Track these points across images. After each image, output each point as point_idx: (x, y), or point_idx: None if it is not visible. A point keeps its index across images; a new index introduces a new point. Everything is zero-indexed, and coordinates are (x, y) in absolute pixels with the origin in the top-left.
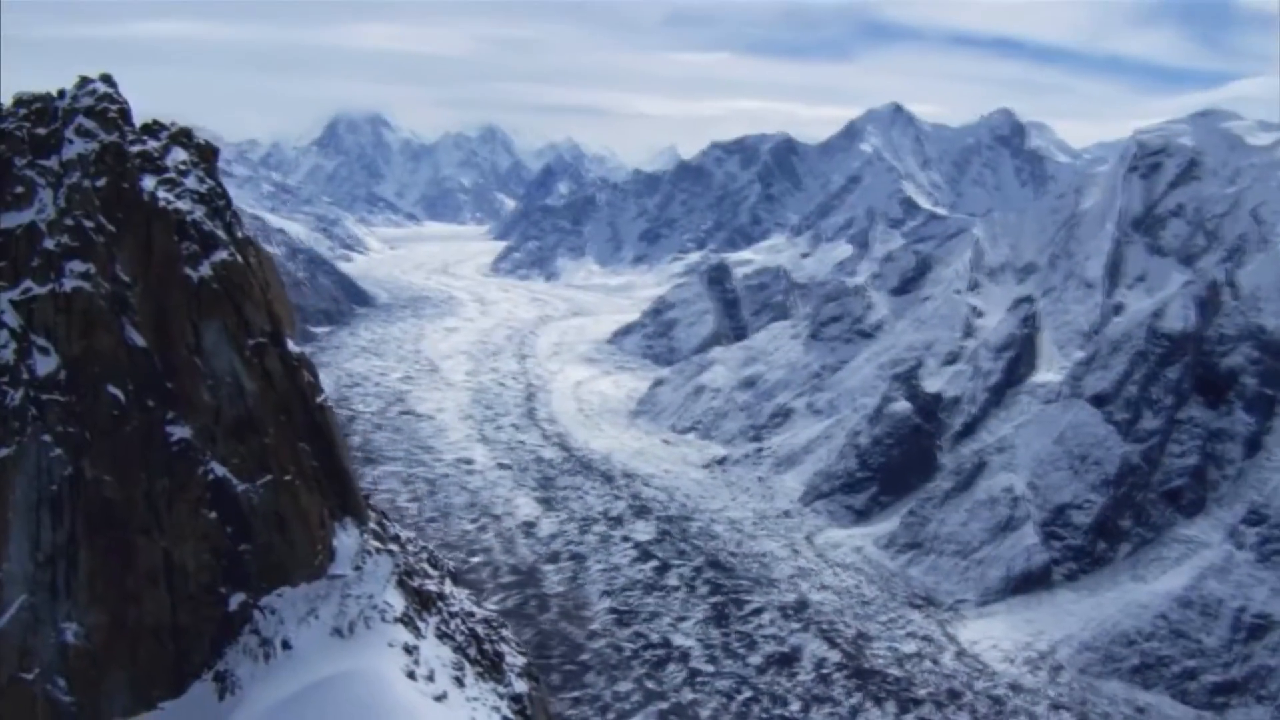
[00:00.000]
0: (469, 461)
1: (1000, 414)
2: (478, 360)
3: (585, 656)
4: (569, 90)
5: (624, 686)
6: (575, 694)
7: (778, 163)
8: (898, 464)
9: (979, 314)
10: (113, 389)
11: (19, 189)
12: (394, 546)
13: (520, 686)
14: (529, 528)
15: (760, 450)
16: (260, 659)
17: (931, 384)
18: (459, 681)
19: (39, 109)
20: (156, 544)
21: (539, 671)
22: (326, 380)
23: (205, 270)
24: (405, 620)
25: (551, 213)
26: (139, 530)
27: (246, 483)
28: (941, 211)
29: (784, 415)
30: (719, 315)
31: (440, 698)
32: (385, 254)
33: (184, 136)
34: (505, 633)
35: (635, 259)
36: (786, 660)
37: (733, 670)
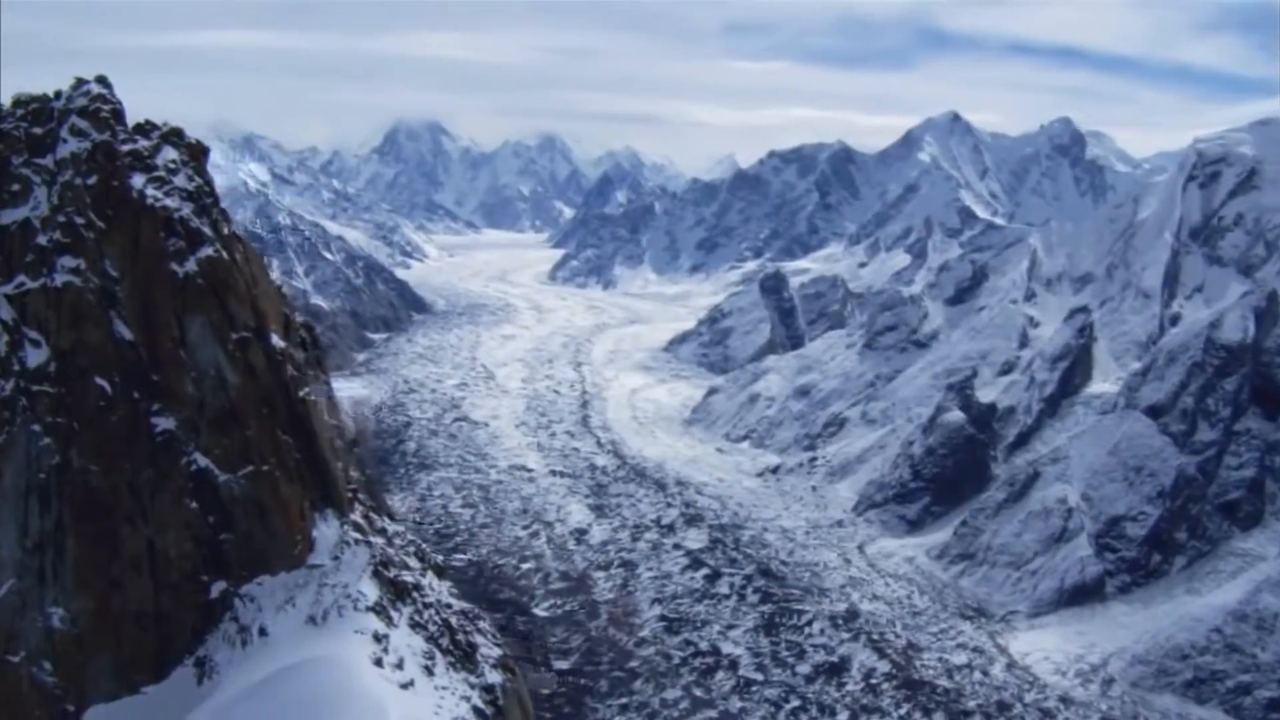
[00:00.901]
0: (522, 468)
1: (1055, 425)
2: (533, 367)
3: (634, 663)
4: (627, 99)
5: (672, 694)
6: (623, 700)
7: (835, 172)
8: (951, 474)
9: (1035, 324)
10: (100, 381)
11: (15, 186)
12: (378, 539)
13: (494, 677)
14: (580, 534)
15: (814, 459)
16: (238, 645)
17: (986, 394)
18: (428, 670)
19: (36, 109)
20: (140, 532)
21: (513, 662)
22: (383, 386)
23: (191, 266)
24: (377, 609)
25: (609, 221)
26: (124, 519)
27: (228, 473)
28: (1000, 221)
29: (838, 424)
30: (775, 324)
31: (406, 685)
32: (443, 261)
33: (174, 136)
34: (482, 624)
35: (692, 268)
36: (835, 670)
37: (781, 679)
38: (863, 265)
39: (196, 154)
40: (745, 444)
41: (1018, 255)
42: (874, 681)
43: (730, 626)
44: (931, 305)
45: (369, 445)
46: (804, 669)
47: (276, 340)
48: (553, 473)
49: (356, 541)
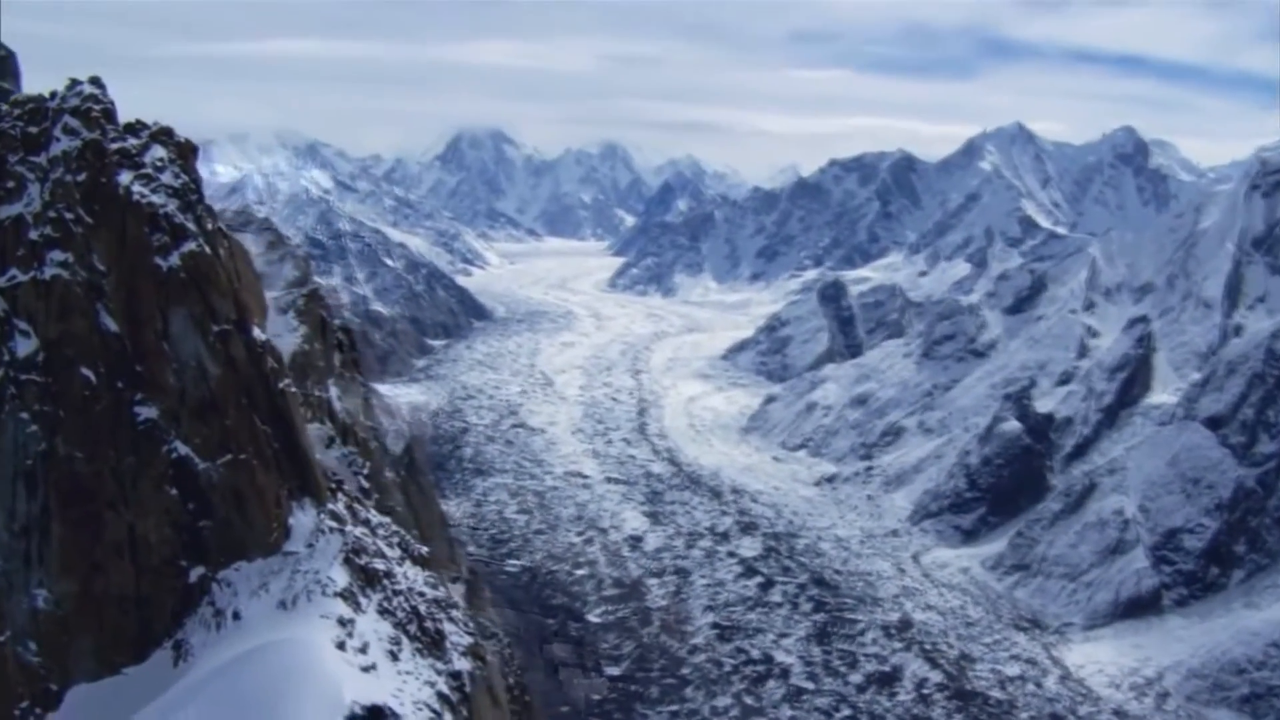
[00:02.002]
0: (578, 475)
1: (1113, 435)
2: (591, 375)
3: (685, 671)
4: (690, 107)
5: (722, 701)
6: (673, 708)
7: (896, 180)
8: (1007, 484)
9: (1094, 334)
10: (85, 370)
11: (10, 184)
12: (359, 529)
13: (463, 665)
14: (635, 542)
15: (870, 468)
16: (213, 628)
17: (1044, 404)
18: (393, 655)
19: (32, 109)
20: (122, 518)
21: (485, 650)
22: (441, 392)
23: (174, 260)
24: (345, 595)
25: (670, 229)
26: (106, 504)
27: (207, 461)
28: (1061, 231)
29: (895, 434)
30: (833, 333)
31: (368, 668)
32: (504, 269)
33: (164, 135)
34: (455, 613)
35: (752, 276)
36: (887, 679)
37: (832, 688)
38: (923, 274)
39: (185, 152)
40: (802, 452)
41: (1077, 265)
42: (926, 692)
43: (783, 635)
44: (990, 314)
45: (425, 450)
46: (856, 678)
47: (258, 333)
48: (608, 479)
49: (331, 530)
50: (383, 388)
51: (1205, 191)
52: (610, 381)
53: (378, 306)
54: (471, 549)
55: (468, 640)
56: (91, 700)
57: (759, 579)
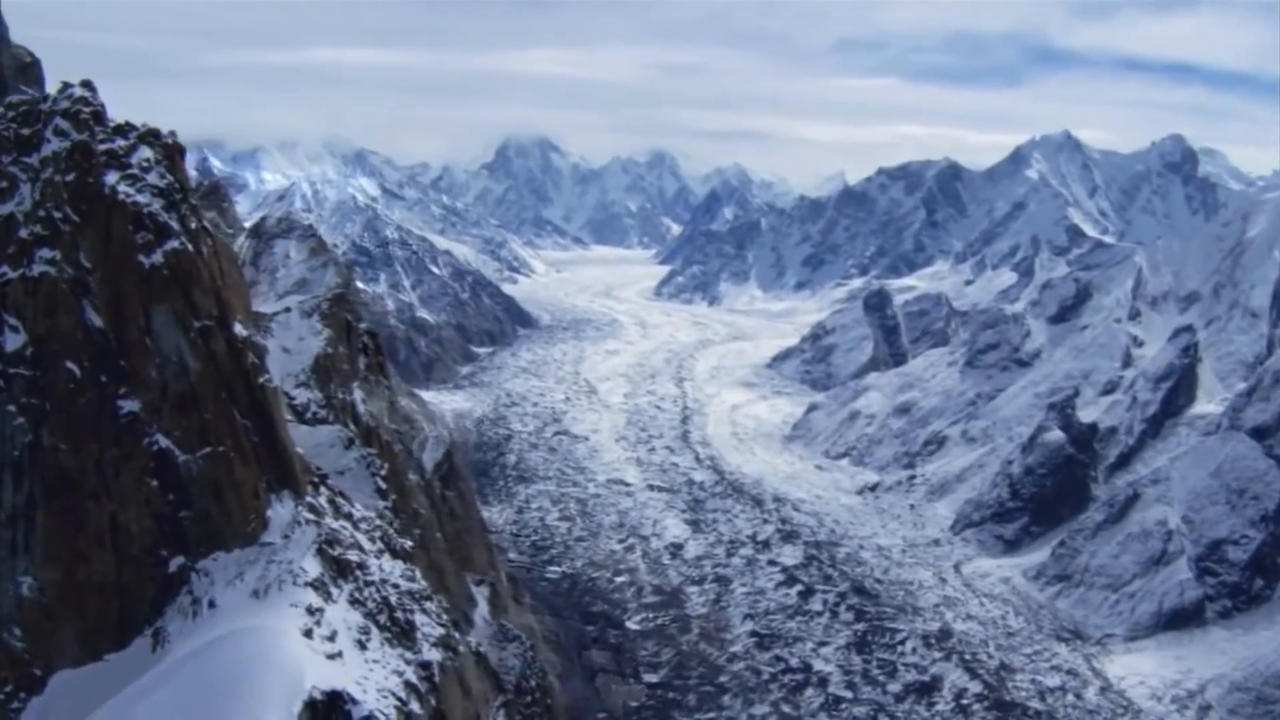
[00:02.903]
0: (621, 482)
1: (1157, 445)
2: (635, 383)
3: (723, 678)
4: (736, 116)
5: (760, 709)
6: (710, 715)
7: (942, 189)
8: (1050, 494)
9: (1139, 343)
10: (70, 365)
11: (3, 183)
12: (341, 522)
13: (433, 655)
14: (676, 549)
15: (913, 477)
16: (190, 616)
17: (1088, 414)
18: (361, 644)
19: (25, 111)
20: (105, 508)
21: (456, 642)
22: (485, 399)
23: (157, 258)
24: (316, 585)
25: (715, 238)
26: (89, 495)
27: (187, 454)
28: (1109, 240)
29: (938, 443)
30: (878, 341)
31: (334, 656)
32: (550, 277)
33: (151, 137)
34: (428, 605)
35: (798, 285)
36: (926, 689)
37: (871, 697)
38: (968, 283)
39: (172, 153)
40: (844, 461)
41: (1122, 273)
42: (965, 702)
43: (822, 643)
44: (1034, 323)
45: (465, 456)
46: (894, 687)
47: (239, 329)
48: (650, 487)
49: (307, 522)
50: (427, 394)
51: (1253, 200)
52: (654, 389)
53: (423, 314)
54: (513, 555)
55: (440, 631)
56: (74, 685)
57: (799, 587)
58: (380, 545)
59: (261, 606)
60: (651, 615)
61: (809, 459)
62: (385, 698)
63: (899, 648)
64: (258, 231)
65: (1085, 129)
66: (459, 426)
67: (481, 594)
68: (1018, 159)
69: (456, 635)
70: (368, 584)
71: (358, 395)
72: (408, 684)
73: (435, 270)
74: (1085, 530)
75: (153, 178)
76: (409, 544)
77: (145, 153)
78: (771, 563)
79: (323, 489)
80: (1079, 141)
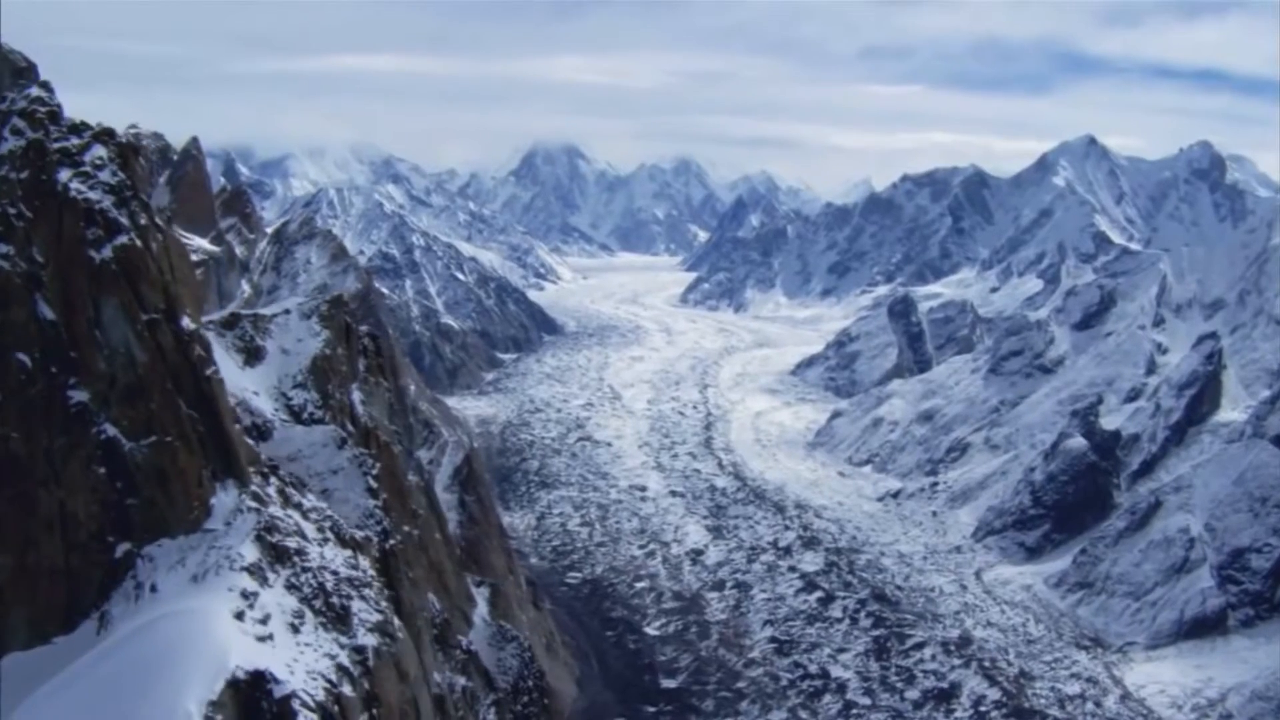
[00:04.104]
0: (642, 488)
1: (1180, 453)
2: (659, 389)
3: (741, 684)
4: (764, 123)
5: (778, 716)
6: None
7: (968, 196)
8: (1072, 502)
9: (1163, 350)
10: (22, 356)
11: None
12: (290, 511)
13: (368, 640)
14: (696, 555)
15: (935, 484)
16: (133, 600)
17: (1111, 421)
18: (294, 628)
19: None
20: (54, 495)
21: (394, 629)
22: (509, 405)
23: (106, 253)
24: (252, 570)
25: (742, 245)
26: (40, 483)
27: (133, 442)
28: (1135, 247)
29: (961, 450)
30: (902, 348)
31: (265, 638)
32: (576, 283)
33: (105, 136)
34: (367, 592)
35: (823, 292)
36: (945, 696)
37: (889, 704)
38: (994, 290)
39: (125, 152)
40: (867, 468)
41: (1147, 280)
42: (983, 709)
43: (841, 650)
44: (1058, 330)
45: (484, 462)
46: (913, 694)
47: (187, 323)
48: (672, 493)
49: (248, 509)
50: (451, 400)
51: (1278, 206)
52: (678, 396)
53: (448, 320)
54: (534, 560)
55: (376, 617)
56: (23, 668)
57: (819, 594)
58: (328, 535)
59: (199, 590)
60: (671, 621)
61: (832, 465)
62: (314, 679)
63: (918, 654)
64: (279, 237)
65: (1114, 136)
66: (483, 432)
67: (482, 595)
68: (1044, 166)
69: (396, 621)
70: (305, 570)
71: (356, 396)
72: (340, 667)
73: (461, 277)
74: (1107, 538)
75: (105, 175)
76: (359, 534)
77: (98, 151)
78: (792, 569)
79: (273, 479)
80: (1106, 148)
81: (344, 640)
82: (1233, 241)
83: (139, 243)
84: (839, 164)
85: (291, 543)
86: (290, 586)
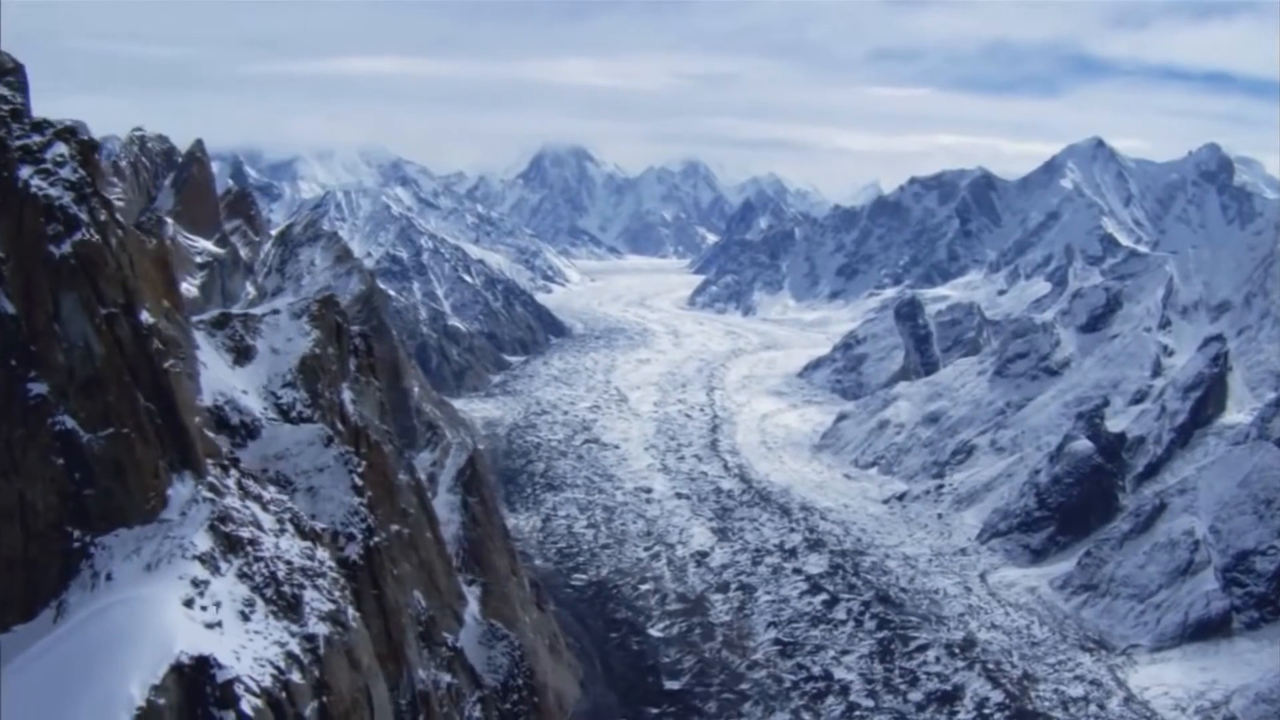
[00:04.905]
0: (648, 490)
1: (1186, 455)
2: (666, 391)
3: (744, 686)
4: (772, 125)
5: (780, 717)
6: None
7: (976, 199)
8: (1077, 504)
9: (1169, 352)
10: None
11: None
12: (250, 502)
13: (320, 629)
14: (701, 557)
15: (941, 487)
16: (89, 588)
17: (1117, 423)
18: (244, 616)
19: None
20: (14, 485)
21: (347, 618)
22: (516, 407)
23: (66, 248)
24: (204, 559)
25: (749, 247)
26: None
27: (91, 434)
28: (1143, 249)
29: (966, 452)
30: (909, 351)
31: (213, 625)
32: (584, 286)
33: (67, 134)
34: (321, 582)
35: (831, 294)
36: (948, 698)
37: (892, 705)
38: (1002, 293)
39: (86, 150)
40: (873, 470)
41: (1153, 283)
42: (986, 711)
43: (844, 652)
44: (1064, 332)
45: (487, 463)
46: (916, 696)
47: (146, 317)
48: (678, 495)
49: (204, 499)
50: (458, 402)
51: None
52: (685, 398)
53: (455, 322)
54: (539, 562)
55: (329, 607)
56: None
57: (824, 596)
58: (287, 526)
59: (151, 579)
60: (675, 622)
61: (837, 468)
62: (262, 666)
63: (921, 656)
64: (284, 239)
65: (1124, 138)
66: (489, 434)
67: (473, 593)
68: (1052, 168)
69: (350, 611)
70: (258, 559)
71: (347, 396)
72: (289, 654)
73: (468, 279)
74: (1112, 540)
75: (65, 172)
76: (320, 526)
77: (60, 149)
78: (797, 571)
79: (233, 471)
80: (1113, 150)
81: (294, 629)
82: (1239, 243)
83: (98, 238)
84: (847, 166)
85: (245, 533)
86: (242, 575)
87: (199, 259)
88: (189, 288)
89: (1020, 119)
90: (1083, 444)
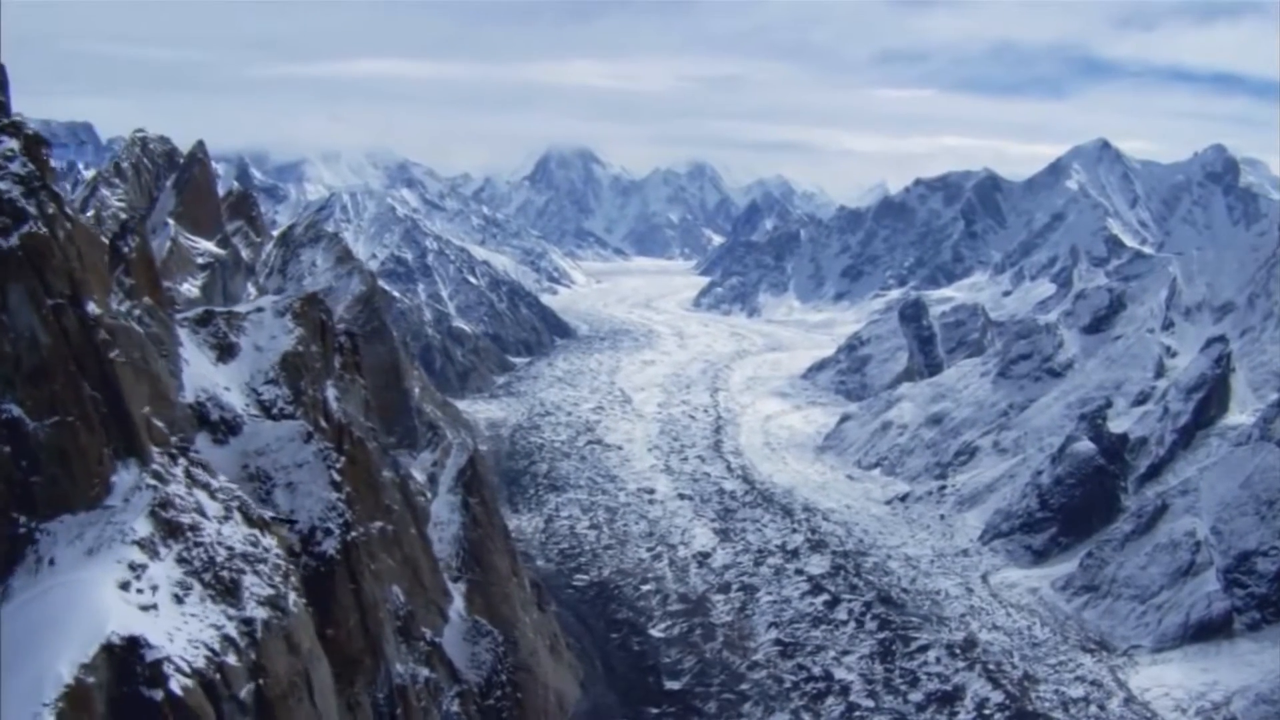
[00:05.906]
0: (651, 491)
1: (1188, 456)
2: (670, 393)
3: (744, 686)
4: (778, 127)
5: (780, 718)
6: None
7: (981, 200)
8: (1079, 505)
9: (1172, 354)
10: None
11: None
12: (196, 490)
13: (258, 613)
14: (703, 558)
15: (943, 488)
16: (34, 573)
17: (1120, 424)
18: (179, 599)
19: None
20: None
21: (287, 602)
22: (520, 408)
23: (13, 240)
24: (143, 544)
25: (755, 249)
26: None
27: (36, 422)
28: (1148, 250)
29: (969, 453)
30: (913, 352)
31: (148, 607)
32: (590, 287)
33: (13, 129)
34: (261, 568)
35: (836, 295)
36: (948, 698)
37: (892, 706)
38: (1007, 294)
39: (33, 145)
40: (876, 471)
41: (1156, 284)
42: (986, 712)
43: (845, 652)
44: (1067, 334)
45: (487, 464)
46: (916, 697)
47: (93, 308)
48: (680, 496)
49: (147, 486)
50: (462, 404)
51: None
52: (688, 399)
53: (460, 324)
54: (541, 562)
55: (268, 592)
56: None
57: (825, 596)
58: (233, 514)
59: (90, 562)
60: (676, 623)
61: (840, 469)
62: (196, 648)
63: (922, 657)
64: (285, 240)
65: (1130, 140)
66: (493, 435)
67: (458, 590)
68: (1057, 169)
69: (291, 596)
70: (198, 545)
71: (330, 393)
72: (225, 637)
73: (473, 281)
74: (1114, 541)
75: (15, 167)
76: (268, 515)
77: (9, 143)
78: (798, 572)
79: (181, 460)
80: (1119, 152)
81: (232, 612)
82: (1243, 244)
83: (45, 231)
84: (853, 168)
85: (186, 519)
86: (181, 560)
87: (200, 260)
88: (190, 288)
89: (1026, 120)
90: (1085, 445)
